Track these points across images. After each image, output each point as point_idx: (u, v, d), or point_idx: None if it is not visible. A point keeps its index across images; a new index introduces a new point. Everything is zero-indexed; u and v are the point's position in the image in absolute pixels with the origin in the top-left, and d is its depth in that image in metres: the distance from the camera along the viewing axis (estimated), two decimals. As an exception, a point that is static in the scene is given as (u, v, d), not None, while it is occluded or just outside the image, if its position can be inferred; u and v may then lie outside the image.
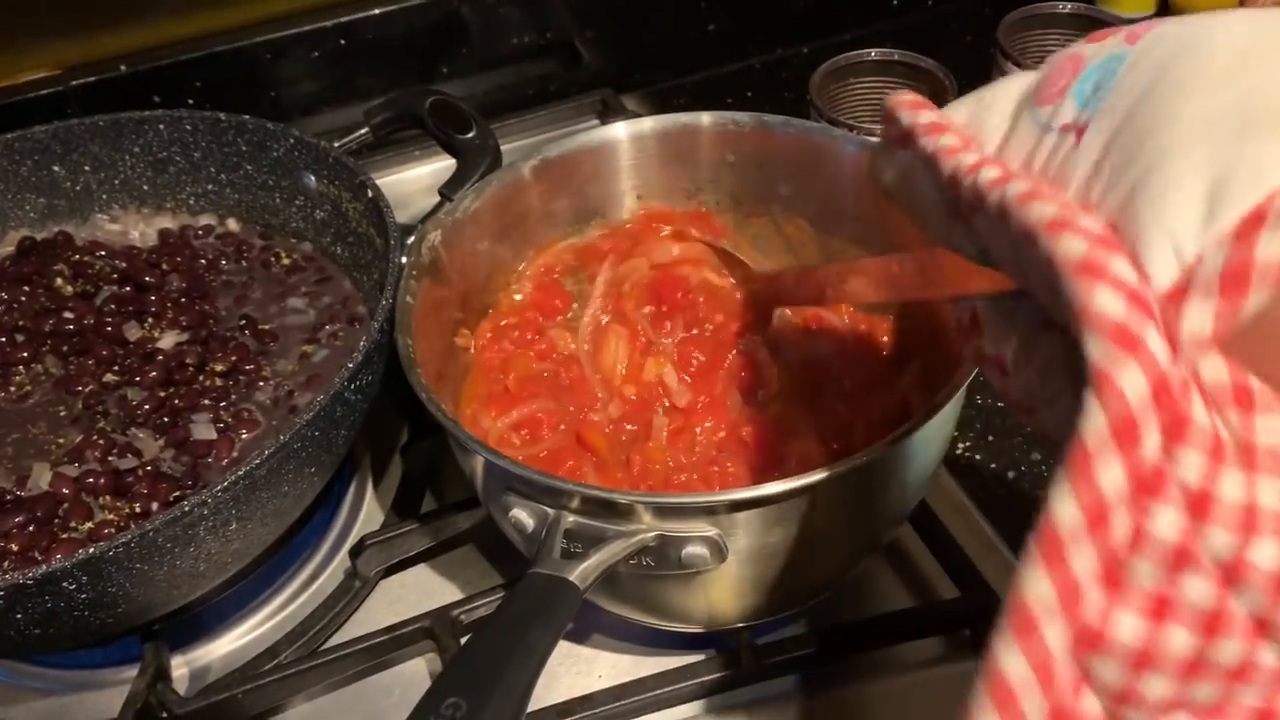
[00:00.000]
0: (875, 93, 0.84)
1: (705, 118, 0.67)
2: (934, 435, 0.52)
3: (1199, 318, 0.26)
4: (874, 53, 0.83)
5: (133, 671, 0.61)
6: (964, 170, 0.34)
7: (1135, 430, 0.26)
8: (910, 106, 0.39)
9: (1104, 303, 0.27)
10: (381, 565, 0.66)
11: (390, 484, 0.72)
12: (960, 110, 0.38)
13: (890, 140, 0.40)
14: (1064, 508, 0.27)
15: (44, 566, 0.48)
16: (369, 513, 0.71)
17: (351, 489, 0.72)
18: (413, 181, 0.95)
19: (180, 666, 0.63)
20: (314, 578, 0.68)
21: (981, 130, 0.36)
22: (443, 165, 0.91)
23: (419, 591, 0.67)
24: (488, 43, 1.00)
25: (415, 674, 0.63)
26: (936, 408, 0.48)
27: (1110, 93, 0.31)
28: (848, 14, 1.11)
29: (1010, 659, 0.28)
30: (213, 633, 0.65)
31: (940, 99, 0.79)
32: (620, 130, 0.67)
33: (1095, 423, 0.26)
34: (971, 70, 0.90)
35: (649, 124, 0.67)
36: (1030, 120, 0.34)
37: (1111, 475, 0.26)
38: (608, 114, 0.97)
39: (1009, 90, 0.36)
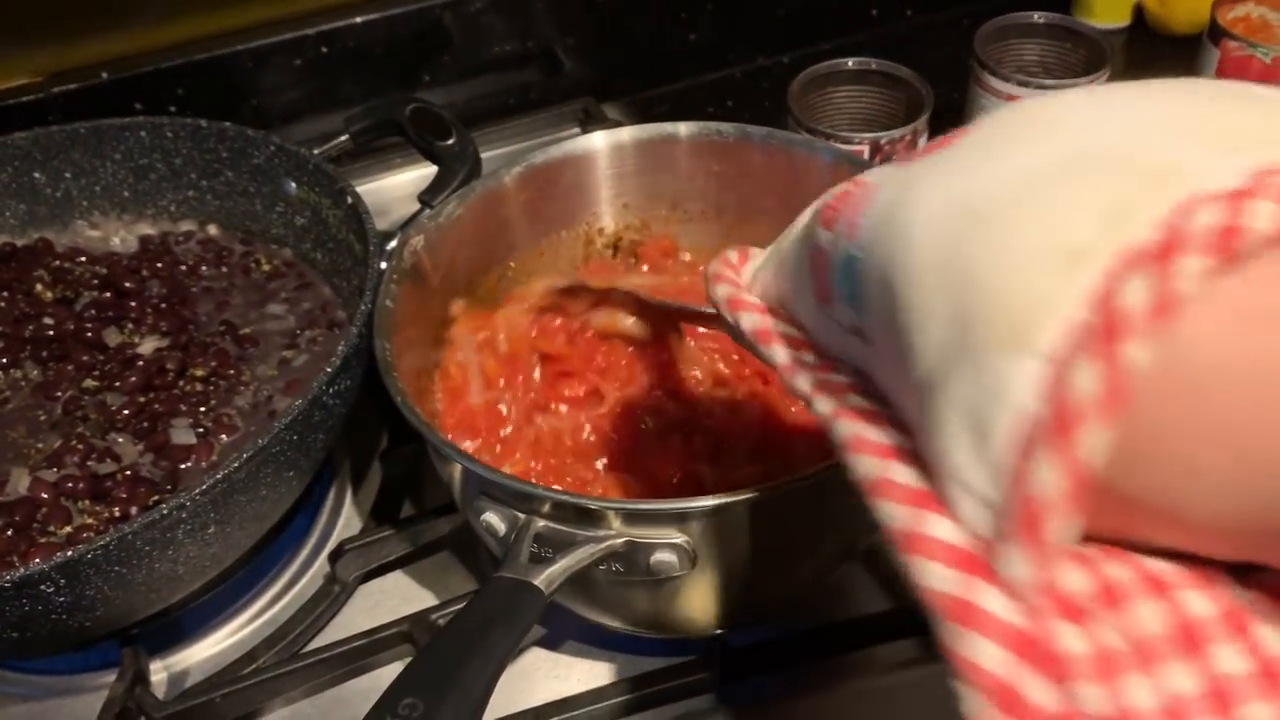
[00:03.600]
0: (853, 101, 0.85)
1: (683, 128, 0.67)
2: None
3: (1018, 566, 0.24)
4: (851, 62, 0.84)
5: (109, 676, 0.62)
6: (785, 369, 0.33)
7: (1016, 699, 0.23)
8: (715, 279, 0.38)
9: (932, 579, 0.24)
10: (360, 570, 0.66)
11: (370, 489, 0.72)
12: (766, 267, 0.37)
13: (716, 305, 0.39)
14: None
15: (21, 569, 0.48)
16: (348, 517, 0.71)
17: (331, 493, 0.72)
18: (393, 189, 0.95)
19: (159, 671, 0.63)
20: (293, 582, 0.68)
21: (789, 300, 0.35)
22: (423, 173, 0.91)
23: (398, 596, 0.67)
24: (469, 51, 1.00)
25: (393, 678, 0.64)
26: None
27: (863, 299, 0.29)
28: (827, 23, 1.12)
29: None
30: (192, 637, 0.65)
31: (918, 108, 0.80)
32: (599, 140, 0.68)
33: (973, 707, 0.23)
34: (949, 79, 0.91)
35: (627, 134, 0.68)
36: (823, 315, 0.32)
37: None
38: (589, 122, 0.98)
39: (791, 256, 0.35)
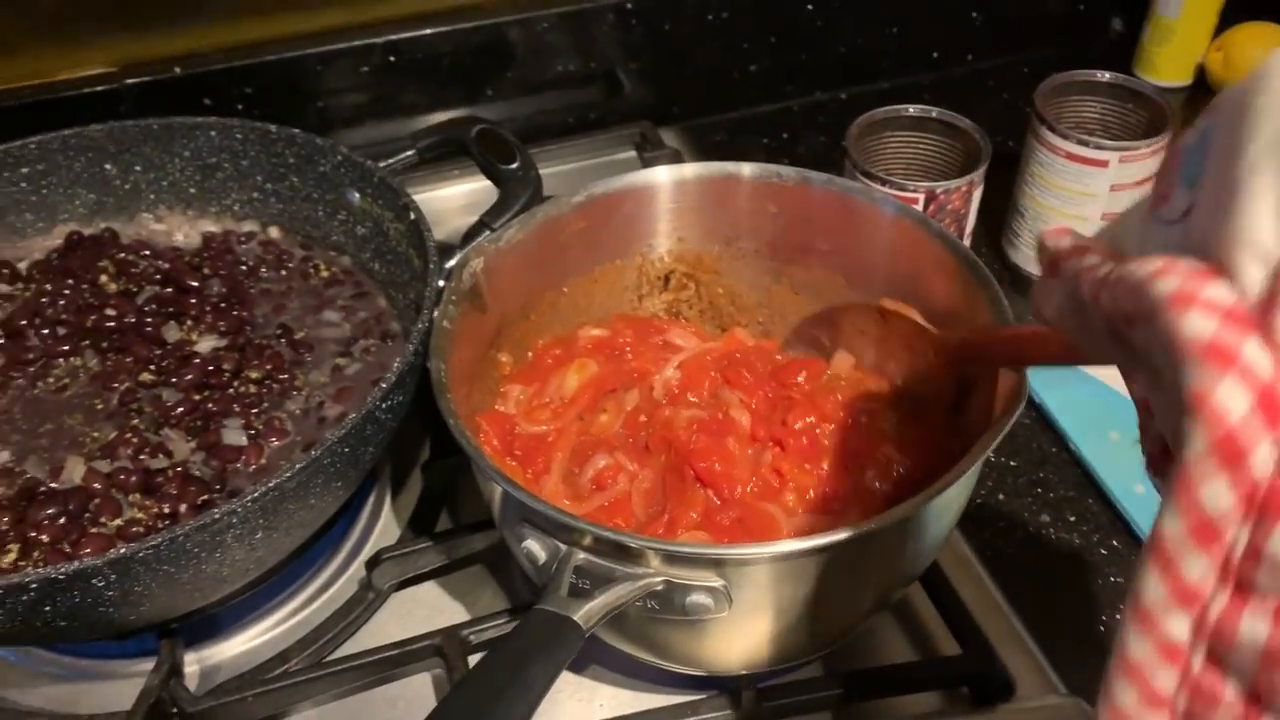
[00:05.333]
0: (910, 147, 0.86)
1: (746, 169, 0.68)
2: (953, 500, 0.53)
3: None
4: (911, 109, 0.85)
5: (144, 664, 0.63)
6: (1101, 281, 0.35)
7: (1239, 446, 0.26)
8: (1055, 234, 0.40)
9: (1192, 326, 0.27)
10: (396, 579, 0.67)
11: (407, 498, 0.73)
12: (1102, 234, 0.39)
13: (1045, 271, 0.40)
14: (1169, 525, 0.28)
15: (76, 563, 0.49)
16: (385, 524, 0.72)
17: (370, 500, 0.73)
18: (449, 200, 0.96)
19: (191, 664, 0.65)
20: (327, 586, 0.69)
21: (1121, 250, 0.36)
22: (478, 186, 0.93)
23: (429, 606, 0.68)
24: (533, 68, 1.01)
25: (420, 688, 0.65)
26: (960, 473, 0.49)
27: (1206, 159, 0.32)
28: (887, 63, 1.12)
29: (1136, 646, 0.29)
30: (225, 633, 0.66)
31: (975, 158, 0.81)
32: (663, 174, 0.69)
33: (1195, 446, 0.26)
34: (1006, 127, 0.92)
35: (692, 170, 0.69)
36: (1157, 224, 0.34)
37: (1215, 494, 0.27)
38: (645, 146, 0.99)
39: (1140, 205, 0.37)
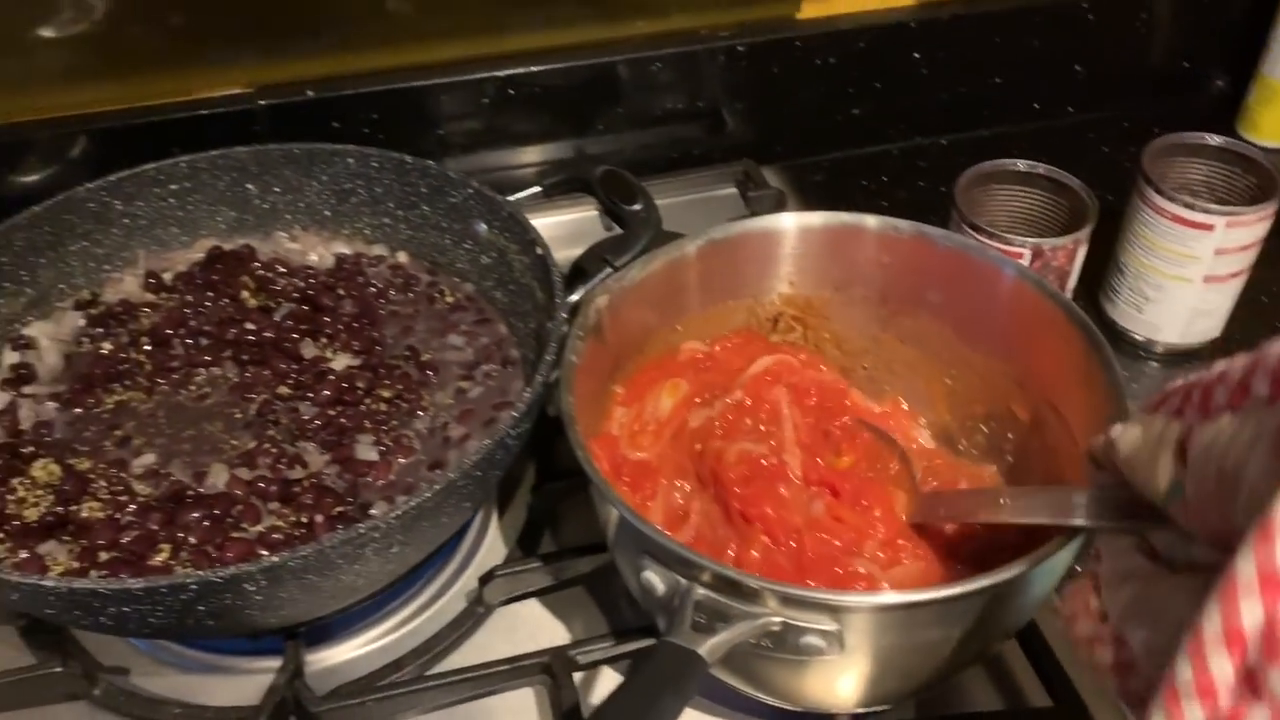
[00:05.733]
0: (1017, 201, 0.87)
1: (871, 221, 0.70)
2: (1064, 560, 0.55)
3: None
4: (1020, 163, 0.86)
5: (263, 662, 0.67)
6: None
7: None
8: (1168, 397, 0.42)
9: None
10: (505, 596, 0.70)
11: (512, 516, 0.76)
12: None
13: (1147, 406, 0.42)
14: (1210, 624, 0.31)
15: (233, 568, 0.53)
16: (493, 541, 0.75)
17: (478, 518, 0.76)
18: (556, 226, 0.99)
19: (309, 665, 0.68)
20: (436, 598, 0.72)
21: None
22: (584, 216, 0.96)
23: (532, 624, 0.71)
24: (641, 104, 1.05)
25: (522, 702, 0.67)
26: (1077, 533, 0.51)
27: None
28: (988, 112, 1.14)
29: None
30: (338, 637, 0.69)
31: (1082, 217, 0.82)
32: (789, 221, 0.71)
33: (1246, 568, 0.30)
34: (1107, 183, 0.92)
35: (818, 219, 0.71)
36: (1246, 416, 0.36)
37: (1251, 614, 0.30)
38: (748, 185, 1.01)
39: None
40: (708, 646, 0.50)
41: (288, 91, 0.95)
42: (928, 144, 1.14)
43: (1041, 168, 0.86)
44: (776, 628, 0.51)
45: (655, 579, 0.55)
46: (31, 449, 0.68)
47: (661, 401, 0.70)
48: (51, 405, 0.72)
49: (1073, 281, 0.85)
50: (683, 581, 0.53)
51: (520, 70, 0.99)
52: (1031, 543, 0.52)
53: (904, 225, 0.70)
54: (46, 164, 0.91)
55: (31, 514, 0.64)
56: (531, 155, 1.05)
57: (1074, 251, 0.82)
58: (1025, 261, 0.79)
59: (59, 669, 0.63)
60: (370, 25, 0.95)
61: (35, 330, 0.77)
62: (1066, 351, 0.63)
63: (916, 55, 1.08)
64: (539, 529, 0.75)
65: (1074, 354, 0.63)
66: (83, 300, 0.79)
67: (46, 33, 0.87)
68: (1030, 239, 0.81)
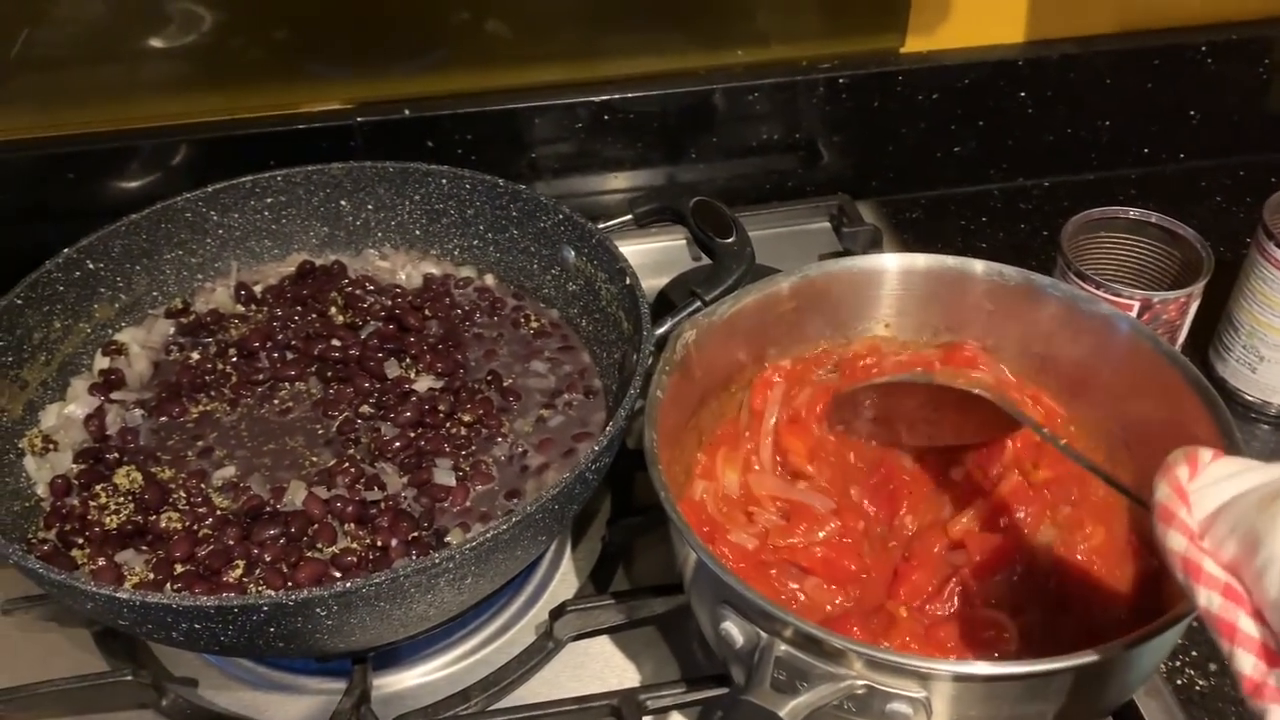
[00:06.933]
0: (1126, 250, 0.84)
1: (978, 266, 0.68)
2: (1165, 642, 0.52)
3: None
4: (1132, 212, 0.83)
5: (329, 683, 0.66)
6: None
7: None
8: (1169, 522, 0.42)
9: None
10: (576, 631, 0.68)
11: (585, 550, 0.75)
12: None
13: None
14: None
15: (305, 591, 0.52)
16: (564, 574, 0.74)
17: (552, 549, 0.75)
18: (642, 254, 0.98)
19: (374, 690, 0.67)
20: (505, 629, 0.71)
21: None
22: (670, 244, 0.95)
23: (601, 661, 0.69)
24: (735, 133, 1.03)
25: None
26: (1179, 618, 0.48)
27: None
28: (1095, 155, 1.10)
29: None
30: (406, 663, 0.68)
31: (1195, 270, 0.78)
32: (891, 262, 0.69)
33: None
34: (1218, 234, 0.88)
35: (922, 261, 0.69)
36: None
37: None
38: (843, 220, 0.99)
39: None
40: (790, 708, 0.48)
41: (385, 109, 0.96)
42: (1030, 185, 1.10)
43: (1154, 216, 0.82)
44: (861, 691, 0.49)
45: (734, 630, 0.53)
46: (116, 455, 0.69)
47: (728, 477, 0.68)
48: (138, 412, 0.72)
49: (1182, 336, 0.81)
50: (764, 635, 0.51)
51: (615, 96, 0.98)
52: (1139, 621, 0.49)
53: (1010, 272, 0.67)
54: (147, 171, 0.92)
55: (112, 521, 0.65)
56: (622, 181, 1.04)
57: (1186, 305, 0.78)
58: (1134, 314, 0.76)
59: (129, 677, 0.63)
60: (468, 47, 0.95)
61: (126, 336, 0.77)
62: (1175, 407, 0.60)
63: (1023, 94, 1.04)
64: (613, 564, 0.73)
65: (1187, 417, 0.59)
66: (174, 309, 0.80)
67: (155, 43, 0.88)
68: (1139, 290, 0.77)
